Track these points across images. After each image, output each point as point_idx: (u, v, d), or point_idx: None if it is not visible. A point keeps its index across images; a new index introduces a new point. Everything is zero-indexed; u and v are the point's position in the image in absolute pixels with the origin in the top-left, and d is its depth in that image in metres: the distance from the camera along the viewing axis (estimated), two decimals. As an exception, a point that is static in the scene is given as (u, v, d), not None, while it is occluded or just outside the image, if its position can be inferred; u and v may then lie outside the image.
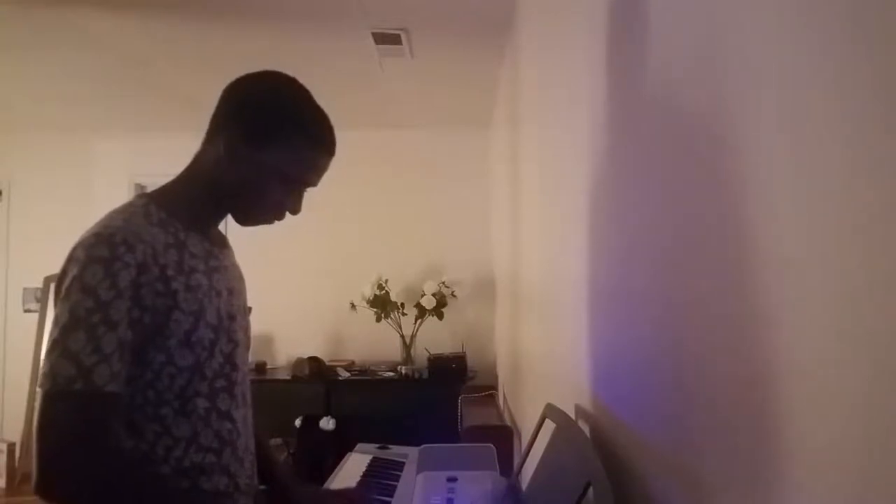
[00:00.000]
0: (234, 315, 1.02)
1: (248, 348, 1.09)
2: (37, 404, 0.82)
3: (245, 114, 0.98)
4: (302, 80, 1.05)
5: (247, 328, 1.09)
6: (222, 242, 1.09)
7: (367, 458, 1.56)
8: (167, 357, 0.91)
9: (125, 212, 0.93)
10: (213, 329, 0.96)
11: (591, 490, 0.85)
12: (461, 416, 3.24)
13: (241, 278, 1.12)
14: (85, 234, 0.89)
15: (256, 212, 1.03)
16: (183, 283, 0.92)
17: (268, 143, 0.97)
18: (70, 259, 0.86)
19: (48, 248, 2.84)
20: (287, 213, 1.04)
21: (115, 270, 0.84)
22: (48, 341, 0.83)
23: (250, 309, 1.15)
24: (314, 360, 3.89)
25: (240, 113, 0.98)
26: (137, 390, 0.89)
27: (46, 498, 0.79)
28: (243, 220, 1.04)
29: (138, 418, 0.90)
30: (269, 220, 1.04)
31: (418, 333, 4.04)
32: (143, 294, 0.87)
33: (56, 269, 0.90)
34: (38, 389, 0.82)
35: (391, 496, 1.33)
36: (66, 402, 0.80)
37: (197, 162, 1.02)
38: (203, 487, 0.94)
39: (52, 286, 0.91)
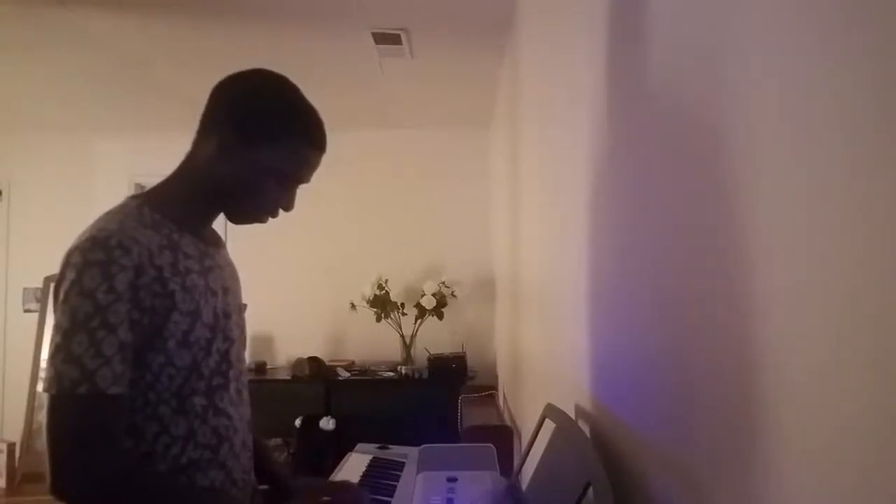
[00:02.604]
0: (229, 313, 1.03)
1: (244, 345, 1.10)
2: (44, 408, 0.84)
3: (236, 113, 0.98)
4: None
5: (242, 326, 1.10)
6: (216, 242, 1.09)
7: (367, 458, 1.56)
8: (166, 358, 0.92)
9: (119, 214, 0.93)
10: (210, 328, 0.97)
11: (591, 490, 0.85)
12: (461, 416, 3.24)
13: (235, 277, 1.12)
14: (80, 237, 0.89)
15: (250, 210, 1.03)
16: (179, 284, 0.93)
17: (260, 142, 0.98)
18: (66, 263, 0.87)
19: (48, 248, 2.83)
20: (280, 211, 1.05)
21: (113, 273, 0.85)
22: (51, 346, 0.84)
23: (245, 306, 1.16)
24: (314, 360, 3.89)
25: (230, 112, 0.99)
26: (138, 392, 0.90)
27: (60, 499, 0.82)
28: (237, 218, 1.04)
29: (138, 419, 0.91)
30: (262, 219, 1.05)
31: (418, 333, 4.04)
32: (141, 296, 0.87)
33: (56, 269, 0.91)
34: (44, 394, 0.84)
35: (391, 496, 1.33)
36: (72, 406, 0.82)
37: (189, 162, 1.03)
38: (199, 483, 0.95)
39: (52, 288, 0.91)
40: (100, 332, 0.83)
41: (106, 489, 0.83)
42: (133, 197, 0.99)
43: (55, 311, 0.87)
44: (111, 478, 0.83)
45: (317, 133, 1.02)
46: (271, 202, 1.02)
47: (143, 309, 0.88)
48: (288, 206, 1.05)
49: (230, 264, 1.12)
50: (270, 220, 1.06)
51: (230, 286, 1.07)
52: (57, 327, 0.85)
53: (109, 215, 0.94)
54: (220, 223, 1.08)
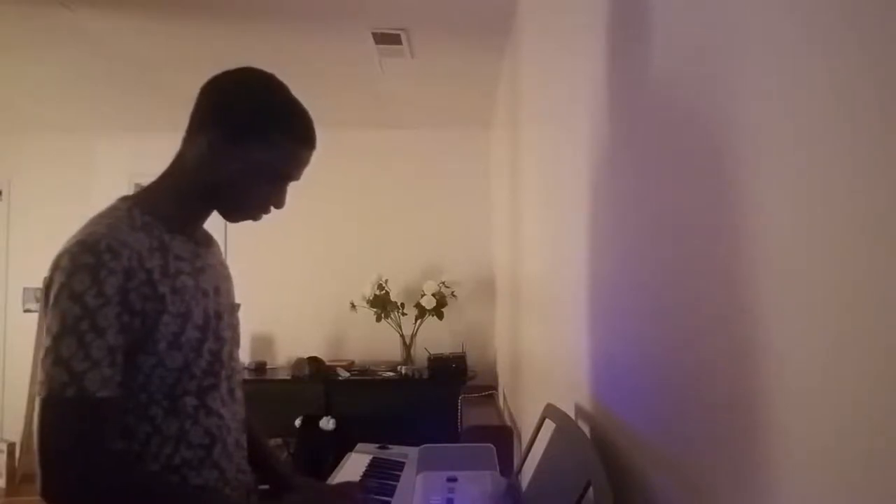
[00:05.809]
0: (221, 314, 1.03)
1: (237, 345, 1.10)
2: (36, 411, 0.83)
3: (224, 112, 0.98)
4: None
5: (235, 325, 1.10)
6: (208, 241, 1.09)
7: (367, 458, 1.56)
8: (157, 359, 0.92)
9: (108, 217, 0.93)
10: (201, 329, 0.97)
11: (591, 490, 0.85)
12: (461, 416, 3.24)
13: (227, 277, 1.12)
14: (69, 241, 0.89)
15: (242, 208, 1.03)
16: (169, 287, 0.92)
17: (248, 140, 0.97)
18: (56, 267, 0.87)
19: (48, 248, 2.83)
20: (272, 208, 1.05)
21: (102, 277, 0.84)
22: (42, 349, 0.84)
23: (238, 306, 1.16)
24: (314, 360, 3.89)
25: (220, 111, 0.98)
26: (130, 394, 0.90)
27: (50, 501, 0.81)
28: (229, 216, 1.05)
29: (131, 420, 0.91)
30: (254, 216, 1.05)
31: (418, 333, 4.04)
32: (131, 299, 0.87)
33: (56, 269, 0.90)
34: (37, 396, 0.84)
35: (391, 496, 1.33)
36: (61, 409, 0.82)
37: (179, 162, 1.02)
38: (192, 482, 0.95)
39: (42, 292, 0.91)
40: (88, 335, 0.83)
41: (96, 493, 0.83)
42: (123, 199, 0.99)
43: (45, 314, 0.87)
44: (101, 481, 0.83)
45: (306, 130, 1.02)
46: (262, 200, 1.03)
47: (133, 312, 0.87)
48: (279, 204, 1.05)
49: (222, 264, 1.12)
50: (269, 219, 1.06)
51: (222, 286, 1.06)
52: (47, 331, 0.84)
53: (99, 218, 0.93)
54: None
